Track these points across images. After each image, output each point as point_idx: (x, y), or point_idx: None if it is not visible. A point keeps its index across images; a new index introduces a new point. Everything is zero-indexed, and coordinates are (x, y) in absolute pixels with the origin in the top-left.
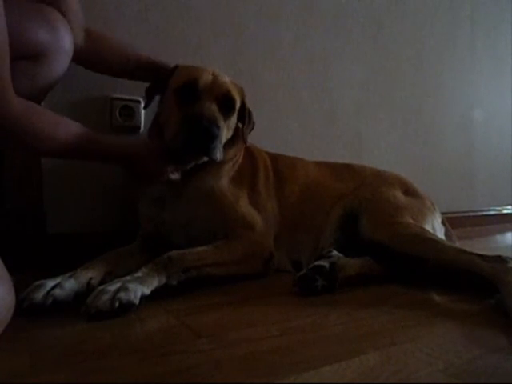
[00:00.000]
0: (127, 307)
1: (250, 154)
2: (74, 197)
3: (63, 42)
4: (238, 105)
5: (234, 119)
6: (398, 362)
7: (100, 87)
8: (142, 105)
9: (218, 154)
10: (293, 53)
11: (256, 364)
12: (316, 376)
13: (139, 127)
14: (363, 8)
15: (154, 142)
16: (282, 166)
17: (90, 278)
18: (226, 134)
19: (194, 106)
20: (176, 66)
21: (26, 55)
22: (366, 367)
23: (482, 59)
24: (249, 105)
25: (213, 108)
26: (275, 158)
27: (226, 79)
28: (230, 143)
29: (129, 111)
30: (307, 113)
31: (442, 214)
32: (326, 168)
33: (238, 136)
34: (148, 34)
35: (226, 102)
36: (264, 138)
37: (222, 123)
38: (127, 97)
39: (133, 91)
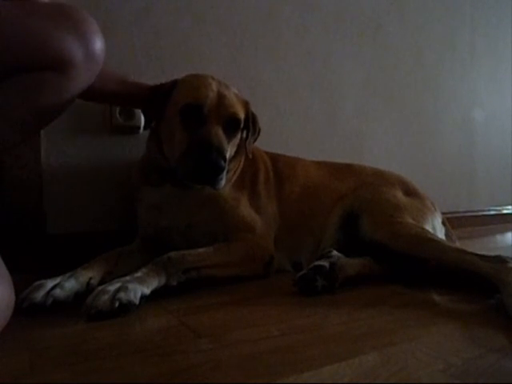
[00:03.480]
0: (127, 307)
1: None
2: (73, 197)
3: (94, 48)
4: (242, 122)
5: (238, 136)
6: (398, 362)
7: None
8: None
9: (222, 184)
10: (293, 53)
11: (256, 364)
12: (316, 376)
13: (139, 127)
14: (363, 8)
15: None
16: (282, 167)
17: (90, 278)
18: (229, 153)
19: (200, 130)
20: (175, 81)
21: (53, 66)
22: (365, 367)
23: (481, 59)
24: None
25: (220, 134)
26: (275, 159)
27: (231, 98)
28: (233, 155)
29: (129, 111)
30: (307, 113)
31: (442, 214)
32: (326, 168)
33: (240, 146)
34: (148, 34)
35: (231, 124)
36: (264, 138)
37: (227, 148)
38: None
39: None
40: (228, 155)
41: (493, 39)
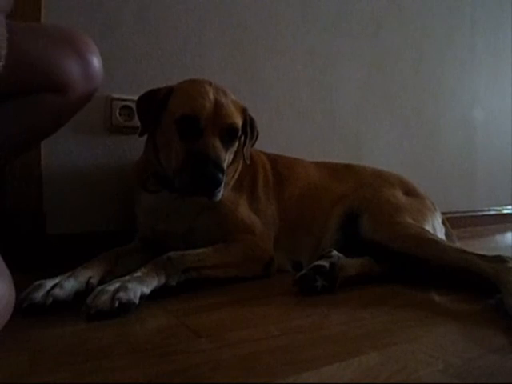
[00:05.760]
0: (127, 307)
1: (249, 157)
2: (73, 197)
3: (92, 70)
4: (240, 130)
5: (236, 144)
6: (398, 362)
7: (100, 87)
8: None
9: (219, 196)
10: (293, 52)
11: (256, 364)
12: (316, 376)
13: (139, 127)
14: (363, 8)
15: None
16: (281, 168)
17: (90, 278)
18: (227, 161)
19: (197, 142)
20: (171, 88)
21: (53, 87)
22: (365, 367)
23: (481, 59)
24: (249, 106)
25: (217, 145)
26: (274, 160)
27: (228, 106)
28: (231, 160)
29: (129, 111)
30: (307, 113)
31: (442, 213)
32: (326, 168)
33: (238, 151)
34: (148, 35)
35: (229, 133)
36: (264, 138)
37: (225, 158)
38: (127, 97)
39: (133, 91)
40: (225, 164)
41: (493, 39)
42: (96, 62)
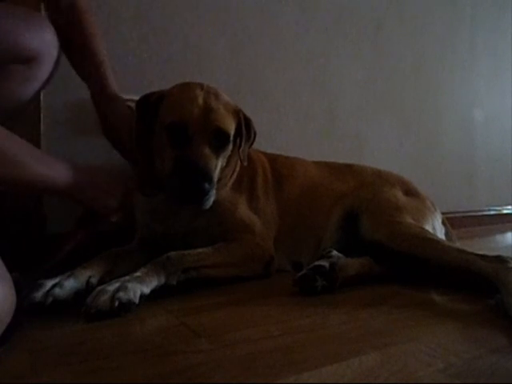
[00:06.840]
0: (127, 306)
1: (248, 157)
2: None
3: (50, 47)
4: (232, 134)
5: (228, 148)
6: (398, 362)
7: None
8: None
9: (210, 203)
10: (293, 53)
11: (256, 364)
12: (316, 376)
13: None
14: (363, 8)
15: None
16: (280, 168)
17: (89, 277)
18: (219, 166)
19: (186, 151)
20: (163, 94)
21: (20, 59)
22: (365, 367)
23: (481, 59)
24: (248, 106)
25: (206, 154)
26: (274, 160)
27: (218, 110)
28: (226, 162)
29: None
30: (307, 113)
31: (442, 213)
32: (326, 168)
33: (235, 152)
34: (148, 34)
35: (219, 138)
36: (264, 138)
37: (214, 165)
38: (127, 97)
39: (133, 91)
40: (217, 171)
41: (493, 39)
42: (55, 41)
